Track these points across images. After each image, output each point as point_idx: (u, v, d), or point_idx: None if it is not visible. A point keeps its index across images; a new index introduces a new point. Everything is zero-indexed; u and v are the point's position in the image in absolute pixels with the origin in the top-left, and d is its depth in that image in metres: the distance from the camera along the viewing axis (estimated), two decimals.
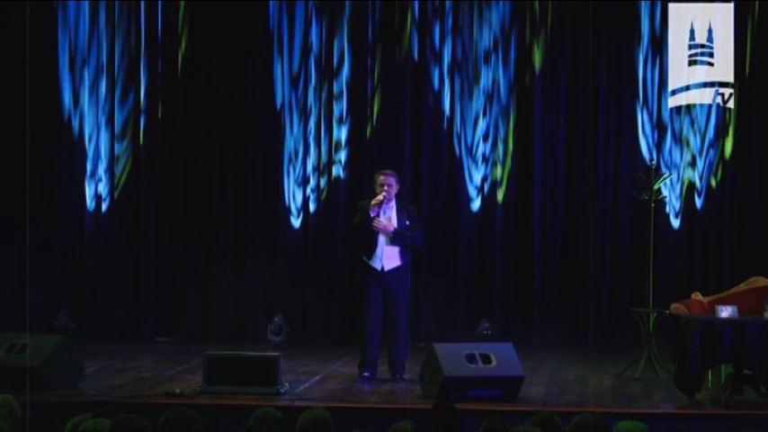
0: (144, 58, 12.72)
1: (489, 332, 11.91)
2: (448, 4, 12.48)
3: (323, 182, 12.64)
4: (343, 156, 12.61)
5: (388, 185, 9.85)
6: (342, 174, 12.62)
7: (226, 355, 9.37)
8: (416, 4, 12.50)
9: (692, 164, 12.29)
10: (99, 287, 12.69)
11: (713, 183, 12.27)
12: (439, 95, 12.50)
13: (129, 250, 12.73)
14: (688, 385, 8.96)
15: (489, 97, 12.47)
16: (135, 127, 12.74)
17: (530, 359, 10.55)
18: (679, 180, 12.25)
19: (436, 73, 12.50)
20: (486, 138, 12.49)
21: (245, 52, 12.68)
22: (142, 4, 12.71)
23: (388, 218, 9.85)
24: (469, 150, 12.49)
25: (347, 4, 12.57)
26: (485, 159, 12.49)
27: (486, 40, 12.47)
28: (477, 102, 12.48)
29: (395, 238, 9.80)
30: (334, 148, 12.61)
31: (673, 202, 12.24)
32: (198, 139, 12.70)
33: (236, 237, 12.70)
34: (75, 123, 12.75)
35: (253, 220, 12.69)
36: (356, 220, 9.99)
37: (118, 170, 12.75)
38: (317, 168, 12.64)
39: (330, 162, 12.62)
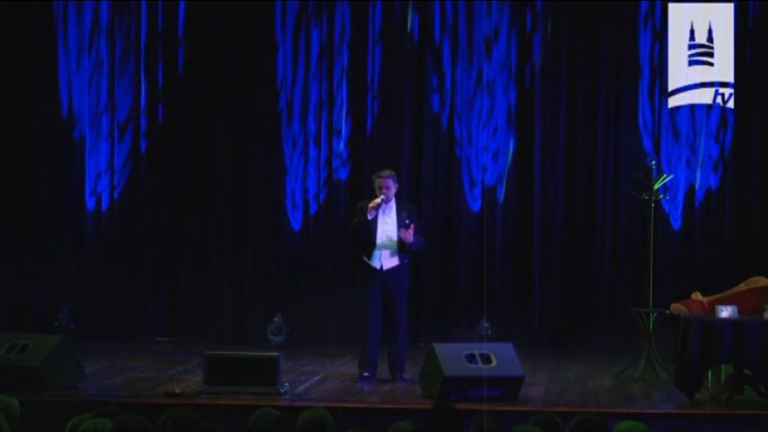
0: (144, 57, 12.72)
1: (489, 332, 11.91)
2: (449, 3, 12.48)
3: (323, 182, 12.64)
4: (343, 156, 12.62)
5: (386, 188, 9.86)
6: (342, 174, 12.62)
7: (226, 355, 9.38)
8: (417, 3, 12.50)
9: (692, 164, 12.29)
10: (99, 287, 12.69)
11: (713, 183, 12.27)
12: (439, 95, 12.49)
13: (129, 250, 12.73)
14: (688, 385, 8.96)
15: (490, 97, 12.47)
16: (135, 127, 12.74)
17: (530, 359, 10.55)
18: (679, 180, 12.24)
19: (436, 72, 12.50)
20: (485, 138, 12.48)
21: (246, 52, 12.68)
22: (143, 4, 12.71)
23: (398, 222, 9.83)
24: (469, 150, 12.48)
25: (347, 3, 12.57)
26: (485, 159, 12.48)
27: (486, 39, 12.46)
28: (478, 102, 12.48)
29: (412, 246, 9.84)
30: (334, 148, 12.61)
31: (673, 202, 12.24)
32: (198, 140, 12.71)
33: (236, 237, 12.70)
34: (75, 123, 12.74)
35: (253, 220, 12.69)
36: (355, 220, 10.01)
37: (118, 170, 12.75)
38: (317, 169, 12.64)
39: (330, 162, 12.62)
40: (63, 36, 12.71)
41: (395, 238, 9.83)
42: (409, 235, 9.77)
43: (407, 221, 9.86)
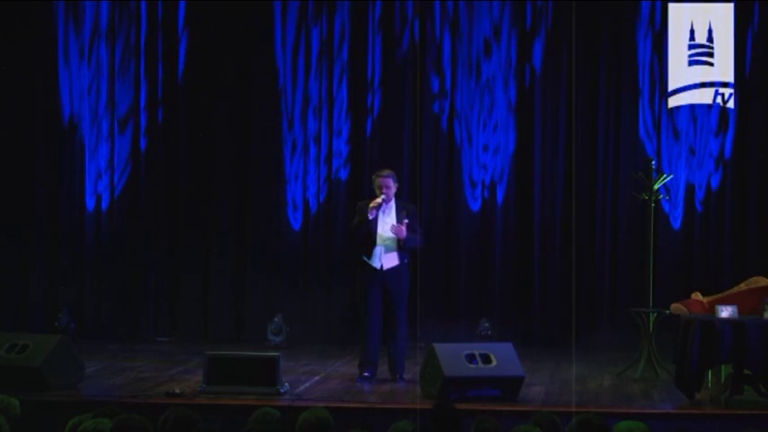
0: (144, 57, 12.71)
1: (489, 332, 11.91)
2: (449, 2, 12.48)
3: (323, 182, 12.65)
4: (343, 156, 12.62)
5: (386, 188, 9.86)
6: (342, 174, 12.62)
7: (226, 355, 9.37)
8: (417, 3, 12.50)
9: (692, 164, 12.29)
10: (99, 287, 12.69)
11: (713, 183, 12.27)
12: (439, 95, 12.49)
13: (129, 250, 12.73)
14: (688, 385, 8.96)
15: (490, 97, 12.47)
16: (135, 126, 12.74)
17: (530, 359, 10.55)
18: (679, 180, 12.24)
19: (436, 72, 12.50)
20: (486, 137, 12.48)
21: (246, 52, 12.68)
22: (143, 4, 12.71)
23: (398, 222, 9.83)
24: (469, 150, 12.48)
25: (347, 3, 12.57)
26: (485, 159, 12.48)
27: (486, 39, 12.46)
28: (477, 101, 12.48)
29: (406, 243, 9.82)
30: (334, 147, 12.61)
31: (673, 202, 12.24)
32: (198, 139, 12.71)
33: (237, 237, 12.70)
34: (76, 123, 12.74)
35: (253, 219, 12.69)
36: (355, 220, 10.01)
37: (118, 170, 12.75)
38: (317, 168, 12.64)
39: (330, 162, 12.62)
40: (63, 36, 12.70)
41: (394, 237, 9.82)
42: (402, 230, 9.76)
43: (406, 221, 9.86)
